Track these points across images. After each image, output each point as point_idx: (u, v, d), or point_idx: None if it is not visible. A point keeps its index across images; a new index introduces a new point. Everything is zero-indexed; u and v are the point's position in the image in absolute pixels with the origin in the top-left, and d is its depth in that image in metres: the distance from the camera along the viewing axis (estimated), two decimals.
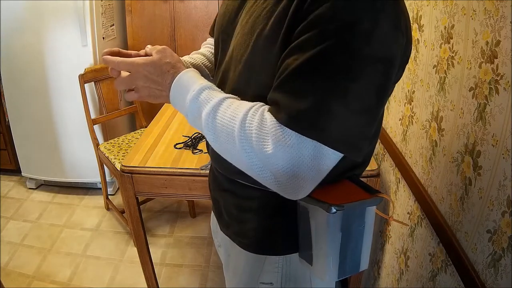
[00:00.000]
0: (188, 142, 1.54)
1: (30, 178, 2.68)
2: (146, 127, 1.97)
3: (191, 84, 0.65)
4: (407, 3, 0.77)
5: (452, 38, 1.00)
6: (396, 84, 0.71)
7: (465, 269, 0.87)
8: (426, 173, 1.14)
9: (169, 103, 0.69)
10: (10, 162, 2.73)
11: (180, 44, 2.69)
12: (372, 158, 1.17)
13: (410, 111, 1.27)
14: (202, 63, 0.91)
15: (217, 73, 0.81)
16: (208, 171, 0.97)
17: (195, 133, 1.59)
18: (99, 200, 2.58)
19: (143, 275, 1.67)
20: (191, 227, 2.36)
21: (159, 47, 0.70)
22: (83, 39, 2.26)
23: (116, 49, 0.74)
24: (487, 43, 0.83)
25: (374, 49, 0.54)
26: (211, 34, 0.96)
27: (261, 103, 0.62)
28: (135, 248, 1.67)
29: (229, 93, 0.67)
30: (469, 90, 0.90)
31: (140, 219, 1.49)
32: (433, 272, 1.06)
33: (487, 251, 0.81)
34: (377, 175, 1.36)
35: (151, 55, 0.70)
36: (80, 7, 2.18)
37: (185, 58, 0.90)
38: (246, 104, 0.61)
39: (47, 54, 2.29)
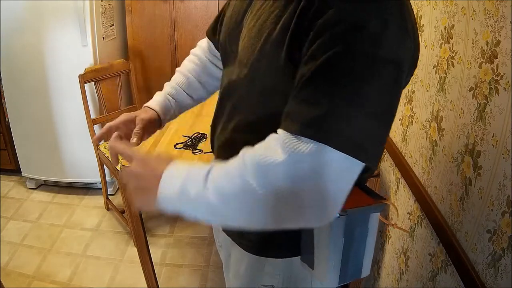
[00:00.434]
0: (188, 142, 1.54)
1: (30, 178, 2.68)
2: None
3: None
4: None
5: (452, 38, 1.00)
6: None
7: (465, 269, 0.87)
8: (426, 173, 1.14)
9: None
10: (10, 162, 2.72)
11: (180, 44, 2.69)
12: None
13: (410, 111, 1.27)
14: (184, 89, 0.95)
15: (223, 75, 0.81)
16: None
17: (195, 133, 1.59)
18: (99, 200, 2.58)
19: (143, 275, 1.67)
20: (191, 227, 2.36)
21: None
22: (83, 39, 2.25)
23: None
24: (487, 43, 0.83)
25: (384, 51, 0.53)
26: (208, 34, 0.97)
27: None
28: (135, 248, 1.67)
29: (234, 98, 0.67)
30: (469, 90, 0.90)
31: (140, 219, 1.49)
32: (433, 272, 1.06)
33: (487, 251, 0.81)
34: (377, 175, 1.36)
35: None
36: (80, 7, 2.18)
37: (169, 90, 0.94)
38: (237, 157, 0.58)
39: (47, 54, 2.29)
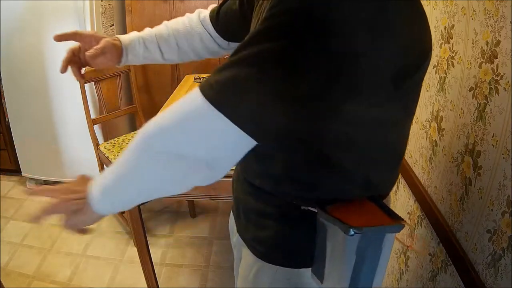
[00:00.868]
0: None
1: (30, 178, 2.68)
2: None
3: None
4: None
5: (452, 38, 1.00)
6: None
7: (465, 269, 0.87)
8: (426, 173, 1.14)
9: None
10: (10, 162, 2.72)
11: None
12: None
13: None
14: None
15: None
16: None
17: None
18: None
19: (143, 275, 1.67)
20: (191, 227, 2.36)
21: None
22: None
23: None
24: (487, 43, 0.83)
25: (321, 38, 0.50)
26: (212, 17, 0.95)
27: None
28: (135, 248, 1.67)
29: None
30: (469, 90, 0.90)
31: (140, 219, 1.49)
32: (433, 272, 1.06)
33: (487, 251, 0.81)
34: None
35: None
36: (80, 7, 2.18)
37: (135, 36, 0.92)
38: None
39: (47, 54, 2.29)
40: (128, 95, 2.71)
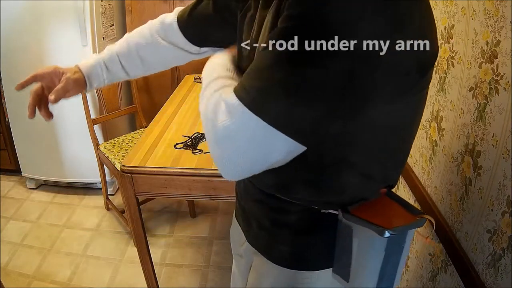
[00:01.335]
0: (188, 142, 1.54)
1: (30, 178, 2.68)
2: (146, 127, 1.97)
3: None
4: None
5: (452, 38, 1.00)
6: None
7: (465, 269, 0.87)
8: (426, 173, 1.14)
9: None
10: (10, 162, 2.72)
11: None
12: None
13: None
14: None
15: None
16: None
17: (195, 133, 1.59)
18: (99, 200, 2.57)
19: (143, 275, 1.66)
20: (191, 227, 2.36)
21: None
22: (83, 39, 2.25)
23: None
24: (487, 43, 0.83)
25: (341, 36, 0.49)
26: (179, 20, 0.90)
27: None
28: (135, 248, 1.67)
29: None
30: (469, 90, 0.90)
31: (140, 219, 1.49)
32: (433, 272, 1.06)
33: (487, 251, 0.81)
34: None
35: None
36: (80, 7, 2.18)
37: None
38: None
39: (47, 54, 2.29)
40: (128, 95, 2.71)
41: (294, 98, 0.53)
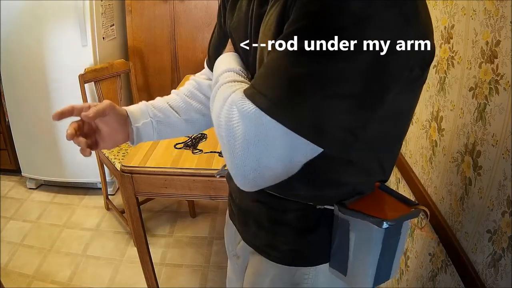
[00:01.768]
0: (188, 142, 1.54)
1: (30, 178, 2.68)
2: None
3: None
4: None
5: (452, 38, 1.00)
6: None
7: (465, 269, 0.87)
8: (426, 173, 1.14)
9: None
10: (10, 162, 2.72)
11: (180, 44, 2.69)
12: None
13: None
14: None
15: None
16: (224, 177, 0.92)
17: None
18: (99, 200, 2.58)
19: (143, 275, 1.67)
20: (191, 227, 2.36)
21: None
22: (83, 39, 2.25)
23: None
24: (487, 43, 0.83)
25: (362, 29, 0.49)
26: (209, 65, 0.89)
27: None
28: (135, 248, 1.67)
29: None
30: (469, 90, 0.90)
31: (140, 219, 1.49)
32: (433, 272, 1.06)
33: (487, 251, 0.81)
34: None
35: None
36: (80, 7, 2.18)
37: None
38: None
39: (47, 54, 2.29)
40: (128, 95, 2.71)
41: (328, 92, 0.51)
